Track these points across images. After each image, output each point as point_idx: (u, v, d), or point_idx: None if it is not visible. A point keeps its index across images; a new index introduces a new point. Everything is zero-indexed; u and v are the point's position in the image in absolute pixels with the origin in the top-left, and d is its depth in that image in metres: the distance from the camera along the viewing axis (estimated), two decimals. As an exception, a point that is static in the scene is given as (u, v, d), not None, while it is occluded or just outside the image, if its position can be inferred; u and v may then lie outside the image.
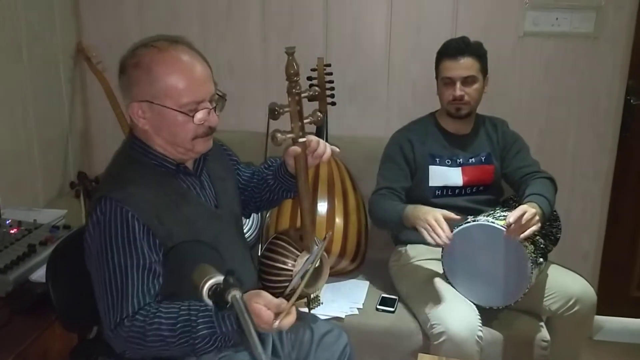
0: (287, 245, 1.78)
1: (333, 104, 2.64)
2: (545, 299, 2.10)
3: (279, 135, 1.62)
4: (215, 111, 1.47)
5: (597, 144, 2.74)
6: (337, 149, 1.74)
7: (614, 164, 2.76)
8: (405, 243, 2.36)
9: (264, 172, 1.84)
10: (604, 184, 2.79)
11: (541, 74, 2.69)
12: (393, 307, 2.19)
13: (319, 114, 1.69)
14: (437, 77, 2.31)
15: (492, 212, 2.16)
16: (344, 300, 2.22)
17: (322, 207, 2.36)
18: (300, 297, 1.75)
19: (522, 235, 1.88)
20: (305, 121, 1.66)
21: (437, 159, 2.32)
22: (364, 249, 2.44)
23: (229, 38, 2.83)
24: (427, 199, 2.29)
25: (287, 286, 1.76)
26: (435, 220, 1.93)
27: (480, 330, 1.96)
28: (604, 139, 2.73)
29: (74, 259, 1.50)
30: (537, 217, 1.91)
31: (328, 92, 2.62)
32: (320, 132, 2.55)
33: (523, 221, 1.87)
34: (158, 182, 1.46)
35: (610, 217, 2.83)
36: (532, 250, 1.97)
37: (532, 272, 1.93)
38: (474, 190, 2.34)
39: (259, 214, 2.46)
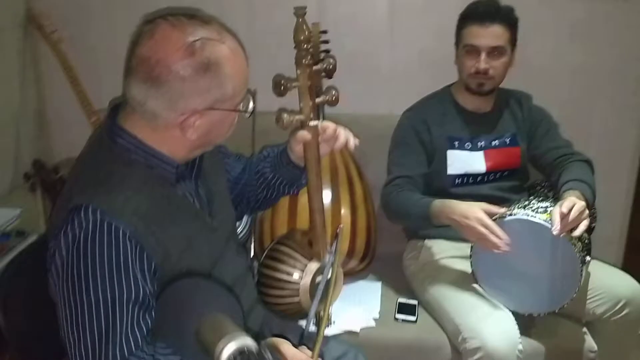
0: (293, 252, 1.47)
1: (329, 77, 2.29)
2: (588, 302, 1.82)
3: (285, 115, 1.28)
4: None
5: (626, 118, 2.46)
6: (357, 141, 1.41)
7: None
8: (422, 237, 2.05)
9: (259, 164, 1.51)
10: (630, 163, 2.52)
11: (565, 39, 2.39)
12: (414, 315, 1.89)
13: (335, 92, 1.35)
14: (457, 44, 1.98)
15: (525, 202, 1.85)
16: (356, 308, 1.91)
17: (326, 198, 2.02)
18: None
19: (574, 233, 1.59)
20: (318, 100, 1.33)
21: (457, 143, 2.01)
22: (374, 245, 2.13)
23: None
24: (446, 188, 1.98)
25: (292, 302, 1.44)
26: (482, 224, 1.64)
27: (521, 343, 1.67)
28: (633, 113, 2.45)
29: (34, 277, 1.19)
30: (587, 211, 1.62)
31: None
32: (318, 112, 2.20)
33: (573, 216, 1.58)
34: (152, 188, 1.13)
35: (636, 201, 2.57)
36: (580, 248, 1.68)
37: (582, 274, 1.64)
38: (497, 177, 2.04)
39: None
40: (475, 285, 1.80)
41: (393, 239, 2.22)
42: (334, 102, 1.35)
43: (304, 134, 1.32)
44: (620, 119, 2.47)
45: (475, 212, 1.66)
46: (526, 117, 2.06)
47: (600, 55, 2.39)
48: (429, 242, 2.02)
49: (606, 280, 1.81)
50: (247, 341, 0.80)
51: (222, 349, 0.79)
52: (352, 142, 1.39)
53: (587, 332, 1.85)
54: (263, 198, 1.52)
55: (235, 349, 0.78)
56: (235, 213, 1.49)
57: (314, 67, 1.30)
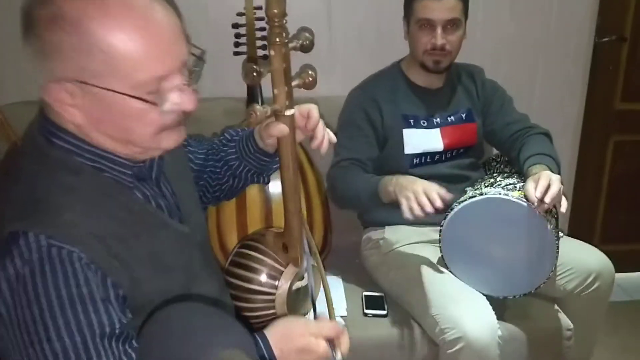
0: (265, 258, 1.30)
1: (265, 57, 2.11)
2: (558, 278, 1.78)
3: (259, 108, 1.10)
4: (190, 86, 0.94)
5: (567, 91, 2.47)
6: (334, 138, 1.25)
7: (583, 113, 2.50)
8: (381, 224, 1.94)
9: (222, 149, 1.32)
10: (572, 137, 2.54)
11: (506, 11, 2.34)
12: (384, 309, 1.78)
13: (311, 72, 1.18)
14: (407, 18, 1.87)
15: (491, 180, 1.80)
16: (321, 308, 1.75)
17: (276, 188, 1.85)
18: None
19: (561, 209, 1.55)
20: (293, 84, 1.16)
21: (412, 121, 1.91)
22: (330, 237, 1.99)
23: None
24: (403, 170, 1.87)
25: (266, 315, 1.28)
26: (423, 190, 1.52)
27: (499, 329, 1.60)
28: (574, 86, 2.46)
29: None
30: (561, 185, 1.57)
31: (259, 43, 2.09)
32: (254, 94, 2.03)
33: (554, 192, 1.52)
34: (107, 198, 0.93)
35: (578, 173, 2.60)
36: (555, 225, 1.63)
37: (558, 251, 1.59)
38: (454, 154, 1.96)
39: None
40: (445, 271, 1.71)
41: (347, 229, 2.09)
42: (311, 85, 1.19)
43: (282, 128, 1.14)
44: (561, 92, 2.47)
45: (425, 183, 1.54)
46: (480, 91, 1.99)
47: (540, 28, 2.37)
48: (389, 229, 1.91)
49: (575, 255, 1.78)
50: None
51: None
52: (327, 144, 1.23)
53: (560, 310, 1.81)
54: (228, 188, 1.34)
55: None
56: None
57: (290, 45, 1.12)
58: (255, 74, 1.11)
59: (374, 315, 1.76)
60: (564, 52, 2.42)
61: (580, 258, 1.78)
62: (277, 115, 1.16)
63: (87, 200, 0.90)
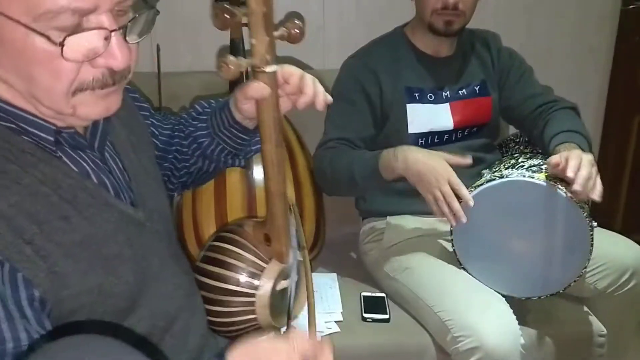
0: (244, 252, 1.06)
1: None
2: (588, 275, 1.55)
3: (231, 59, 0.87)
4: (125, 38, 0.72)
5: (589, 61, 2.24)
6: (329, 98, 1.01)
7: (607, 88, 2.27)
8: (382, 214, 1.71)
9: (192, 125, 1.09)
10: (595, 111, 2.31)
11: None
12: (386, 313, 1.54)
13: (298, 22, 0.94)
14: (414, -25, 1.63)
15: (512, 161, 1.56)
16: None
17: (259, 174, 1.61)
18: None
19: (592, 194, 1.32)
20: (276, 34, 0.92)
21: (417, 94, 1.67)
22: (323, 229, 1.76)
23: None
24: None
25: (245, 321, 1.05)
26: (451, 182, 1.36)
27: (521, 336, 1.38)
28: (595, 55, 2.23)
29: None
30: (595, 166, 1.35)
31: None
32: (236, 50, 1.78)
33: (587, 173, 1.29)
34: (19, 167, 0.72)
35: (602, 149, 2.39)
36: (589, 213, 1.39)
37: (592, 242, 1.36)
38: (466, 134, 1.73)
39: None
40: (458, 269, 1.48)
41: (343, 220, 1.87)
42: (297, 37, 0.94)
43: (261, 88, 0.90)
44: (583, 65, 2.25)
45: (445, 166, 1.37)
46: (496, 60, 1.76)
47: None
48: (392, 220, 1.68)
49: (609, 249, 1.54)
50: None
51: None
52: (322, 98, 1.00)
53: (590, 312, 1.58)
54: (198, 171, 1.11)
55: None
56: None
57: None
58: (227, 15, 0.87)
59: (374, 320, 1.53)
60: (586, 19, 2.20)
61: (615, 252, 1.55)
62: (255, 71, 0.92)
63: None
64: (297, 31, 0.94)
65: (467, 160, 1.42)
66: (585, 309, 1.60)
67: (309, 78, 0.98)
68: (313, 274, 1.71)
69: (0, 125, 0.72)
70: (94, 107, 0.75)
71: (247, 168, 1.59)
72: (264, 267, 1.04)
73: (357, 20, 2.07)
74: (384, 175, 1.45)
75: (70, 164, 0.77)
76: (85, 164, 0.80)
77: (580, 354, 1.56)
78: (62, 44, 0.66)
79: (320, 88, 1.00)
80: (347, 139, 1.61)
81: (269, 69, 0.91)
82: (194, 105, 1.12)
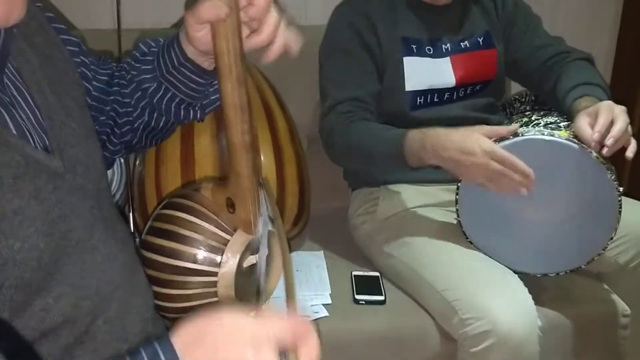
0: (201, 221, 0.85)
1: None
2: (609, 248, 1.34)
3: None
4: None
5: (599, 15, 2.04)
6: (295, 45, 0.80)
7: (615, 49, 2.07)
8: (375, 184, 1.50)
9: (135, 68, 0.89)
10: (602, 69, 2.11)
11: None
12: (381, 294, 1.34)
13: None
14: None
15: (524, 119, 1.37)
16: (298, 291, 1.32)
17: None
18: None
19: (627, 154, 1.14)
20: None
21: (414, 46, 1.46)
22: (308, 202, 1.54)
23: None
24: (402, 112, 1.46)
25: (202, 305, 0.85)
26: (495, 158, 1.13)
27: (538, 317, 1.18)
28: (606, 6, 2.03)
29: None
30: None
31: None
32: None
33: (621, 129, 1.10)
34: None
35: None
36: (616, 176, 1.19)
37: (620, 210, 1.16)
38: (469, 92, 1.52)
39: (124, 158, 1.45)
40: (464, 242, 1.28)
41: (331, 191, 1.67)
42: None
43: (217, 7, 0.70)
44: (588, 23, 2.04)
45: (481, 142, 1.15)
46: (500, 9, 1.55)
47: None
48: (386, 190, 1.48)
49: (631, 218, 1.33)
50: None
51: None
52: (280, 43, 0.78)
53: (611, 290, 1.39)
54: (144, 127, 0.91)
55: None
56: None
57: None
58: None
59: (368, 302, 1.33)
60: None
61: (637, 222, 1.34)
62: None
63: None
64: None
65: (513, 127, 1.20)
66: (606, 286, 1.42)
67: (275, 11, 0.77)
68: (297, 252, 1.52)
69: None
70: None
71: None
72: (227, 240, 0.84)
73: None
74: (411, 162, 1.24)
75: None
76: None
77: (602, 337, 1.37)
78: None
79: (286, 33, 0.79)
80: (356, 97, 1.39)
81: (227, -18, 0.70)
82: (138, 44, 0.90)
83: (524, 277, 1.24)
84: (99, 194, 0.75)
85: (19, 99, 0.66)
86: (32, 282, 0.60)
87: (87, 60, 0.87)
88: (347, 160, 1.44)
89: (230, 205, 0.84)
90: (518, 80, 1.63)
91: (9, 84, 0.65)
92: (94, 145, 0.79)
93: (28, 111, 0.67)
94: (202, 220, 0.84)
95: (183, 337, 0.54)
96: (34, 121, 0.67)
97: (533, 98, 1.58)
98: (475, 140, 1.15)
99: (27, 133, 0.65)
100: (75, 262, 0.66)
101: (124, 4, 1.64)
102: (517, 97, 1.65)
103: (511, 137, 1.18)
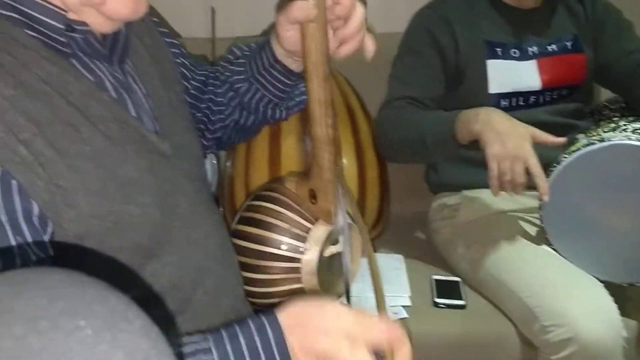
0: (286, 211, 0.90)
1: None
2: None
3: None
4: None
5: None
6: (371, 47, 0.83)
7: None
8: (456, 188, 1.50)
9: (229, 70, 0.95)
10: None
11: None
12: (461, 299, 1.34)
13: None
14: None
15: (611, 125, 1.31)
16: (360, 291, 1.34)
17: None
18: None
19: None
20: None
21: (499, 49, 1.46)
22: (388, 205, 1.56)
23: None
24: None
25: (288, 290, 0.89)
26: (526, 160, 1.13)
27: (623, 327, 1.14)
28: None
29: None
30: None
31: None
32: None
33: None
34: (18, 64, 0.61)
35: None
36: None
37: None
38: (555, 96, 1.50)
39: (217, 156, 1.53)
40: (548, 249, 1.26)
41: (411, 194, 1.67)
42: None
43: (306, 7, 0.75)
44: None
45: (528, 144, 1.15)
46: (590, 13, 1.52)
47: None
48: (468, 194, 1.48)
49: None
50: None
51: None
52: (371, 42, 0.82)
53: None
54: (234, 124, 0.97)
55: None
56: None
57: None
58: None
59: (448, 306, 1.34)
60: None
61: None
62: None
63: None
64: None
65: (560, 139, 1.18)
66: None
67: (360, 10, 0.81)
68: (376, 254, 1.54)
69: (3, 15, 0.62)
70: (125, 2, 0.65)
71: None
72: (310, 228, 0.88)
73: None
74: (459, 136, 1.24)
75: (83, 70, 0.66)
76: (101, 74, 0.68)
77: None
78: None
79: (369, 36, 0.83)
80: (415, 97, 1.41)
81: (316, -16, 0.75)
82: (231, 48, 0.97)
83: (609, 286, 1.21)
84: (200, 178, 0.83)
85: (134, 87, 0.74)
86: (146, 247, 0.68)
87: (186, 62, 0.95)
88: (399, 148, 1.41)
89: (313, 196, 0.88)
90: (607, 85, 1.59)
91: (128, 75, 0.74)
92: (194, 136, 0.87)
93: (142, 99, 0.75)
94: (286, 209, 0.89)
95: (288, 317, 0.59)
96: (147, 107, 0.75)
97: (623, 105, 1.54)
98: (526, 136, 1.15)
99: (142, 117, 0.73)
100: (181, 234, 0.73)
101: (218, 14, 1.74)
102: (606, 103, 1.61)
103: (597, 142, 1.16)
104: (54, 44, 0.64)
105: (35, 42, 0.63)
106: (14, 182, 0.56)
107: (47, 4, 0.63)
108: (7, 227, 0.56)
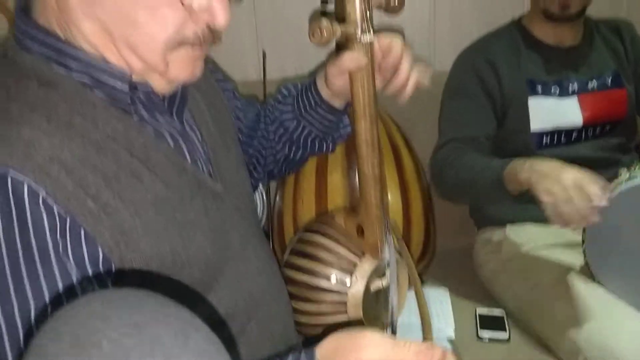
0: (335, 245, 0.96)
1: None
2: None
3: (325, 24, 0.79)
4: None
5: None
6: (425, 79, 0.92)
7: None
8: (501, 222, 1.53)
9: (277, 108, 1.04)
10: None
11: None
12: (505, 331, 1.36)
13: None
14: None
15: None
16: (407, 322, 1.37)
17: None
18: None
19: None
20: (373, 1, 0.84)
21: (540, 87, 1.50)
22: (434, 239, 1.60)
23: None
24: (529, 152, 1.47)
25: (334, 323, 0.94)
26: (578, 188, 1.12)
27: (669, 364, 1.14)
28: None
29: None
30: None
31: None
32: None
33: None
34: (89, 121, 0.69)
35: None
36: None
37: None
38: (598, 132, 1.52)
39: (265, 190, 1.60)
40: (591, 283, 1.27)
41: (456, 229, 1.71)
42: (397, 7, 0.85)
43: (356, 58, 0.83)
44: None
45: (573, 171, 1.16)
46: (630, 49, 1.56)
47: None
48: (512, 229, 1.51)
49: None
50: None
51: None
52: (412, 83, 0.88)
53: None
54: (284, 158, 1.06)
55: None
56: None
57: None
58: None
59: (492, 340, 1.35)
60: None
61: None
62: (349, 41, 0.84)
63: (60, 120, 0.65)
64: (398, 2, 0.86)
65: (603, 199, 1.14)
66: None
67: (408, 58, 0.88)
68: (423, 287, 1.57)
69: (71, 78, 0.69)
70: (185, 67, 0.73)
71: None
72: (356, 263, 0.93)
73: (471, 15, 1.91)
74: (508, 186, 1.27)
75: (144, 123, 0.74)
76: (161, 126, 0.76)
77: None
78: None
79: (418, 72, 0.90)
80: (471, 136, 1.47)
81: (365, 38, 0.82)
82: (280, 88, 1.05)
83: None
84: (251, 214, 0.89)
85: (191, 134, 0.82)
86: (201, 281, 0.74)
87: (239, 104, 1.03)
88: (453, 191, 1.46)
89: (360, 231, 0.94)
90: (647, 120, 1.61)
91: (185, 124, 0.81)
92: (245, 174, 0.94)
93: (198, 145, 0.82)
94: (335, 243, 0.95)
95: (325, 349, 0.63)
96: (201, 152, 0.82)
97: (667, 140, 1.55)
98: (572, 171, 1.16)
99: (197, 161, 0.80)
100: (234, 268, 0.79)
101: (269, 57, 1.84)
102: (651, 139, 1.62)
103: (638, 176, 1.18)
104: (120, 103, 0.71)
105: (103, 102, 0.70)
106: (82, 230, 0.63)
107: (114, 69, 0.70)
108: (73, 272, 0.62)
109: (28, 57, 0.69)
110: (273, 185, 1.67)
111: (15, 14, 0.71)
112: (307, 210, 1.52)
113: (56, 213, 0.61)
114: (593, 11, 1.55)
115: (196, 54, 0.73)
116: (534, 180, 1.19)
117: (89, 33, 0.69)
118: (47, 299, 0.59)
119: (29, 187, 0.59)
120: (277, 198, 1.62)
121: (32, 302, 0.59)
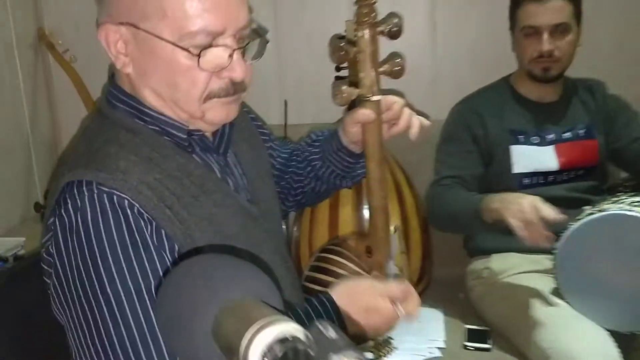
0: (347, 262, 1.20)
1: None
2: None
3: (345, 88, 1.05)
4: (244, 57, 0.93)
5: None
6: (428, 122, 1.18)
7: None
8: (488, 252, 1.79)
9: (307, 150, 1.29)
10: None
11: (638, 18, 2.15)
12: (488, 343, 1.59)
13: (399, 60, 1.12)
14: (512, 28, 1.79)
15: (614, 199, 1.58)
16: (416, 337, 1.62)
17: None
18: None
19: None
20: (380, 70, 1.10)
21: (521, 137, 1.77)
22: (430, 265, 1.85)
23: None
24: (513, 190, 1.71)
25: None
26: (533, 208, 1.40)
27: (625, 370, 1.37)
28: None
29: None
30: None
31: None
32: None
33: None
34: (164, 156, 0.94)
35: None
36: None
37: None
38: (572, 176, 1.78)
39: (285, 221, 1.87)
40: (561, 302, 1.51)
41: (451, 259, 1.95)
42: (398, 73, 1.12)
43: (367, 113, 1.10)
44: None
45: (532, 198, 1.43)
46: (601, 106, 1.82)
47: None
48: (496, 257, 1.76)
49: None
50: (290, 326, 0.50)
51: (252, 339, 0.49)
52: (418, 122, 1.15)
53: None
54: (311, 191, 1.30)
55: (273, 339, 0.49)
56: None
57: (377, 29, 1.07)
58: (342, 52, 1.07)
59: (476, 349, 1.60)
60: None
61: None
62: (362, 100, 1.11)
63: (143, 156, 0.91)
64: (399, 68, 1.13)
65: (559, 216, 1.40)
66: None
67: (407, 111, 1.14)
68: (421, 308, 1.80)
69: (147, 127, 0.95)
70: (219, 112, 0.95)
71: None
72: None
73: (471, 73, 2.20)
74: (484, 215, 1.53)
75: (199, 160, 0.99)
76: (211, 163, 1.01)
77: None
78: (199, 56, 0.88)
79: (416, 120, 1.15)
80: (460, 176, 1.74)
81: (375, 98, 1.09)
82: (310, 134, 1.31)
83: (615, 335, 1.44)
84: (279, 235, 1.14)
85: (234, 169, 1.07)
86: None
87: (273, 144, 1.30)
88: (440, 219, 1.74)
89: (368, 251, 1.19)
90: (620, 167, 1.87)
91: (230, 161, 1.07)
92: (276, 202, 1.19)
93: (239, 177, 1.07)
94: (348, 261, 1.20)
95: (339, 293, 0.96)
96: (241, 183, 1.07)
97: (634, 182, 1.79)
98: (531, 198, 1.42)
99: (238, 190, 1.05)
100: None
101: (290, 106, 2.12)
102: (621, 181, 1.87)
103: (596, 212, 1.43)
104: (181, 145, 0.96)
105: (170, 144, 0.95)
106: (164, 232, 0.88)
107: (174, 122, 0.95)
108: (166, 257, 0.86)
109: (117, 113, 0.95)
110: (291, 216, 1.93)
111: (108, 80, 0.99)
112: (321, 239, 1.78)
113: (146, 219, 0.86)
114: (570, 71, 1.82)
115: (227, 101, 0.95)
116: (502, 207, 1.46)
117: (148, 96, 0.95)
118: (151, 278, 0.83)
119: (128, 202, 0.85)
120: (295, 228, 1.88)
121: (141, 281, 0.83)
